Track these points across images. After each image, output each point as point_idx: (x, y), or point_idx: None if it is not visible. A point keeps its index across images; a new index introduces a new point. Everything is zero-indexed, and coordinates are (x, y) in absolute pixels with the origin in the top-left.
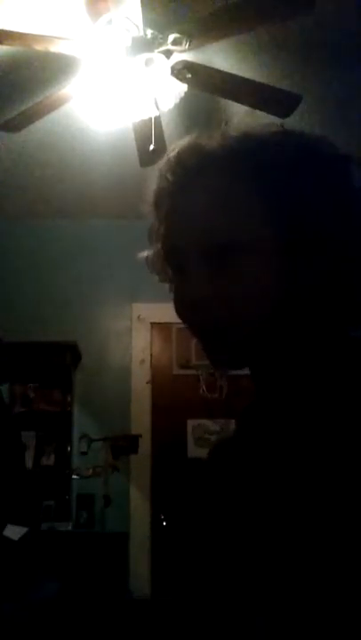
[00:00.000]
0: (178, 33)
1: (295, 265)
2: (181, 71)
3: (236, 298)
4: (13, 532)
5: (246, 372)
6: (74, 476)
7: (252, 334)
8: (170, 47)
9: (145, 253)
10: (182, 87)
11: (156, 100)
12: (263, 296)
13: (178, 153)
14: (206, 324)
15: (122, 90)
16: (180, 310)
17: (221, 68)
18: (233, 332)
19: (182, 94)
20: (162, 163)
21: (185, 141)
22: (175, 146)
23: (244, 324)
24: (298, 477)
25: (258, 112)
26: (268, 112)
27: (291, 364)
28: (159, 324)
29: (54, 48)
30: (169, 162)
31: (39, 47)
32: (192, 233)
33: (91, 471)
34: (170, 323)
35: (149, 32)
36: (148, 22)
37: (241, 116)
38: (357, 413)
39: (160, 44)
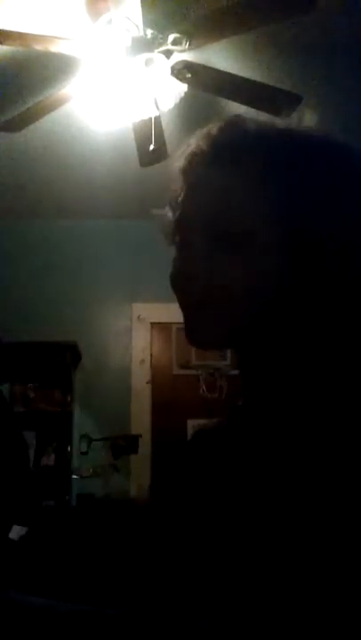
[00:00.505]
0: (178, 33)
1: (295, 264)
2: (181, 71)
3: (229, 281)
4: (14, 531)
5: None
6: (74, 476)
7: (235, 319)
8: (170, 47)
9: (159, 211)
10: (182, 87)
11: (156, 99)
12: (255, 288)
13: (221, 127)
14: (195, 297)
15: (122, 90)
16: (174, 280)
17: (221, 68)
18: (217, 310)
19: (182, 94)
20: (205, 130)
21: (232, 117)
22: (225, 118)
23: (229, 307)
24: (289, 473)
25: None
26: (269, 112)
27: (281, 361)
28: (159, 323)
29: (54, 48)
30: (210, 134)
31: (39, 47)
32: (205, 210)
33: (91, 471)
34: (170, 323)
35: (149, 32)
36: (148, 22)
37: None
38: (350, 413)
39: (160, 44)
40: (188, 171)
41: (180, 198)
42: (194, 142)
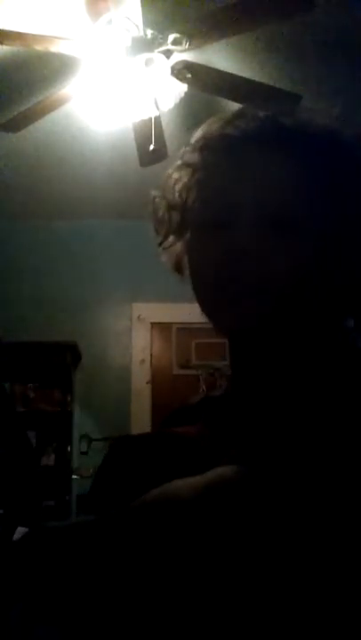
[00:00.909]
0: (178, 33)
1: (331, 254)
2: (181, 71)
3: (275, 264)
4: (17, 534)
5: None
6: (74, 476)
7: (275, 304)
8: (170, 47)
9: (154, 193)
10: (182, 87)
11: (156, 99)
12: (297, 273)
13: (263, 117)
14: (246, 275)
15: (122, 90)
16: (219, 259)
17: (221, 68)
18: (262, 293)
19: (182, 94)
20: (240, 110)
21: (269, 111)
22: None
23: (273, 290)
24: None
25: None
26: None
27: (295, 351)
28: (159, 323)
29: (54, 48)
30: (246, 113)
31: (39, 47)
32: (255, 194)
33: (91, 471)
34: (170, 323)
35: (149, 32)
36: (148, 22)
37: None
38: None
39: (160, 44)
40: (220, 153)
41: (217, 170)
42: (223, 123)
